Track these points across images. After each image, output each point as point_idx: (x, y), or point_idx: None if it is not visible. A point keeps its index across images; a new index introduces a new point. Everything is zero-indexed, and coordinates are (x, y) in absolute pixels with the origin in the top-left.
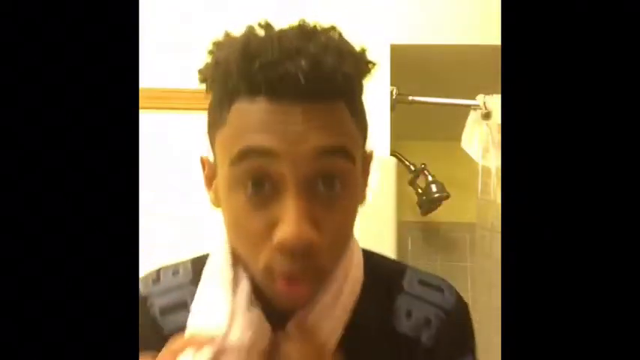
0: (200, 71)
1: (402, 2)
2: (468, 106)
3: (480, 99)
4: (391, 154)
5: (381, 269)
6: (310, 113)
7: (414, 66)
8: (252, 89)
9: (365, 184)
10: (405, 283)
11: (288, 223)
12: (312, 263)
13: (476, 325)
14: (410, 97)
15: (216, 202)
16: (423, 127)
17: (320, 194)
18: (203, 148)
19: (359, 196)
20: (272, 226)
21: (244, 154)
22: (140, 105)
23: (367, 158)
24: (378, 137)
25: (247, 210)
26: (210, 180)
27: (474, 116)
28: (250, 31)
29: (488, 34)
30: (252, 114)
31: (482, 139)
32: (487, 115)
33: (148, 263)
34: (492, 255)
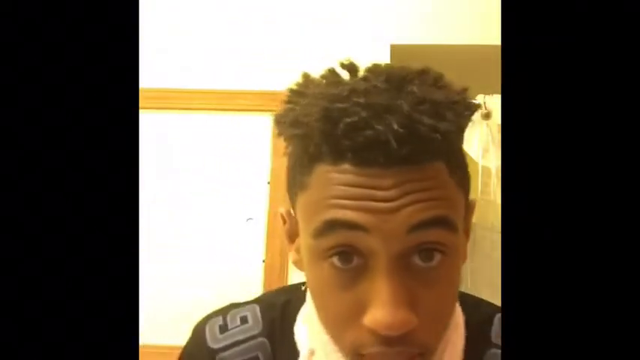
0: (277, 123)
1: (402, 2)
2: None
3: (480, 99)
4: None
5: (472, 320)
6: (403, 181)
7: (413, 66)
8: (337, 154)
9: (466, 241)
10: (494, 334)
11: (381, 305)
12: (411, 348)
13: None
14: None
15: (300, 265)
16: None
17: (417, 269)
18: (202, 148)
19: (461, 261)
20: (361, 306)
21: (329, 228)
22: (140, 105)
23: (469, 210)
24: None
25: (333, 286)
26: (292, 237)
27: (474, 116)
28: (332, 77)
29: (489, 34)
30: (337, 181)
31: (482, 139)
32: (487, 115)
33: (148, 263)
34: (492, 255)
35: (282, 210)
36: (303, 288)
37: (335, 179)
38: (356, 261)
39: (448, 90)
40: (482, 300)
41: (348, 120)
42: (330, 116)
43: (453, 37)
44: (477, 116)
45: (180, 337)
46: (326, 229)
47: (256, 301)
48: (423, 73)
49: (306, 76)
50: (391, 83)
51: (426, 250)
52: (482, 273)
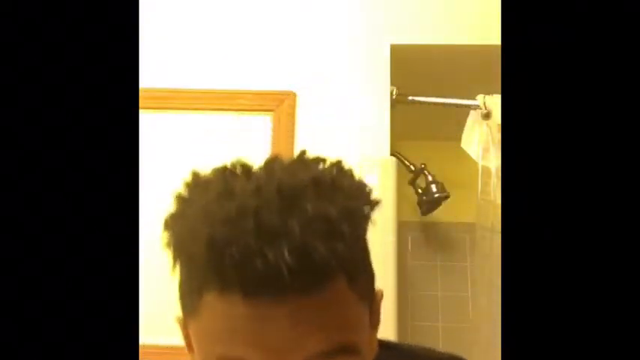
0: (164, 231)
1: (402, 2)
2: (468, 106)
3: (480, 99)
4: (391, 154)
5: None
6: (297, 309)
7: (414, 66)
8: (225, 285)
9: (374, 335)
10: None
11: None
12: None
13: (476, 325)
14: (410, 97)
15: None
16: (423, 127)
17: None
18: (202, 148)
19: None
20: None
21: None
22: (140, 105)
23: (376, 301)
24: (378, 137)
25: None
26: (189, 347)
27: (474, 116)
28: (221, 184)
29: (488, 34)
30: (226, 313)
31: (482, 139)
32: (487, 115)
33: (148, 263)
34: (492, 255)
35: (177, 317)
36: None
37: (223, 311)
38: None
39: (344, 194)
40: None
41: (235, 249)
42: (215, 245)
43: (453, 37)
44: (477, 116)
45: (180, 337)
46: None
47: None
48: (316, 183)
49: (195, 176)
50: (283, 197)
51: None
52: (483, 273)
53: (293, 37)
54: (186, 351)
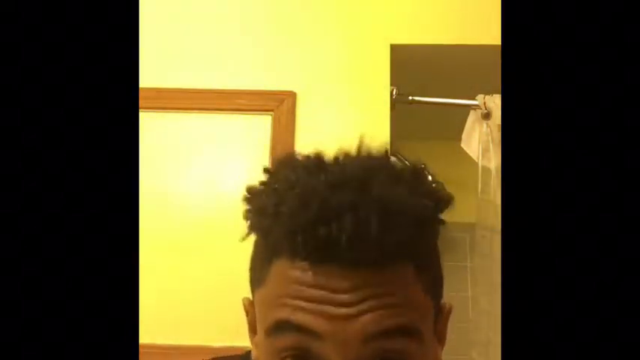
0: (245, 216)
1: (402, 2)
2: (468, 106)
3: (479, 99)
4: (391, 154)
5: None
6: (363, 284)
7: (414, 66)
8: (294, 252)
9: (440, 345)
10: None
11: None
12: None
13: (476, 325)
14: (410, 97)
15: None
16: (423, 127)
17: None
18: (202, 148)
19: None
20: None
21: (280, 328)
22: (140, 105)
23: (444, 314)
24: (378, 137)
25: None
26: (253, 328)
27: (473, 116)
28: (298, 176)
29: (488, 34)
30: (293, 278)
31: (482, 139)
32: (487, 115)
33: (147, 263)
34: (492, 255)
35: (244, 299)
36: None
37: (291, 276)
38: None
39: (418, 196)
40: None
41: (304, 219)
42: (288, 215)
43: (453, 37)
44: (477, 116)
45: (180, 337)
46: (278, 329)
47: None
48: (389, 169)
49: (275, 162)
50: (355, 179)
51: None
52: (482, 273)
53: (293, 37)
54: (186, 351)
